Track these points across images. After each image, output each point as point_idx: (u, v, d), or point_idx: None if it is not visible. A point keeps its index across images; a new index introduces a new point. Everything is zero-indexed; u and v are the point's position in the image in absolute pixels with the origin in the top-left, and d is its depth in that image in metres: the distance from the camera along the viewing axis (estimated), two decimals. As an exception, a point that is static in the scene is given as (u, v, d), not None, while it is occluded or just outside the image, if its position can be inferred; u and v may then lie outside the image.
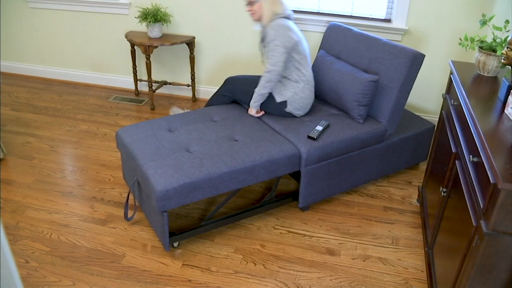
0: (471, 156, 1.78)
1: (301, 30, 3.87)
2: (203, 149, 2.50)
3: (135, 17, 4.06)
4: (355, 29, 3.12)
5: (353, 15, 3.78)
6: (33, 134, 3.67)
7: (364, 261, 2.47)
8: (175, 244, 2.50)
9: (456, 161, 2.05)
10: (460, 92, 2.22)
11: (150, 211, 2.49)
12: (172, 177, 2.27)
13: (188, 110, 3.24)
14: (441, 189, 2.18)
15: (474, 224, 1.64)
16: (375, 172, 3.01)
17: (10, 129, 3.74)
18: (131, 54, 4.27)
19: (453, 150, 2.14)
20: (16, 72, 4.94)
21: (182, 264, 2.41)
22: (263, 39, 2.89)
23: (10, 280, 0.48)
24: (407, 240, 2.63)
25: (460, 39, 2.76)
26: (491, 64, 2.36)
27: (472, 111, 1.93)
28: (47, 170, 3.19)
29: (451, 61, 2.57)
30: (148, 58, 3.91)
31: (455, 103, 2.30)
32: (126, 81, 4.61)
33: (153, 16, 3.85)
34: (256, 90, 2.86)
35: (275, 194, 2.91)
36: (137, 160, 2.45)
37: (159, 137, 2.61)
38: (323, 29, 3.82)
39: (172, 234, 2.45)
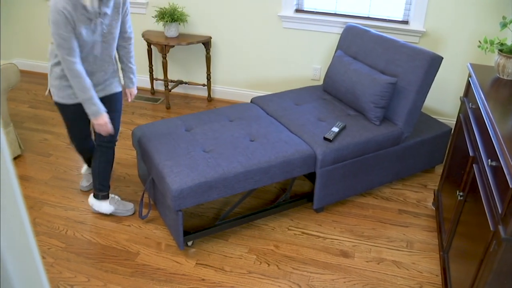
0: (489, 160, 1.76)
1: (318, 31, 3.87)
2: (218, 149, 2.51)
3: (152, 17, 4.08)
4: (372, 30, 3.10)
5: (370, 16, 3.76)
6: (50, 131, 3.71)
7: (378, 264, 2.46)
8: (189, 243, 2.51)
9: (474, 165, 2.03)
10: (479, 95, 2.19)
11: (165, 209, 2.50)
12: (188, 176, 2.28)
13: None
14: (457, 193, 2.16)
15: (491, 229, 1.62)
16: (390, 174, 2.99)
17: (28, 126, 3.79)
18: (148, 53, 4.30)
19: (471, 153, 2.11)
20: (35, 70, 5.00)
21: (196, 263, 2.41)
22: (106, 4, 2.24)
23: (37, 278, 0.49)
24: (422, 244, 2.61)
25: (479, 41, 2.73)
26: (511, 67, 2.33)
27: (491, 115, 1.91)
28: (63, 167, 3.22)
29: (470, 63, 2.55)
30: (164, 57, 3.93)
31: (473, 107, 2.28)
32: (142, 80, 4.63)
33: (170, 16, 3.87)
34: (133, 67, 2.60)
35: (290, 195, 2.91)
36: (152, 159, 2.46)
37: (175, 136, 2.62)
38: (340, 31, 3.80)
39: (186, 233, 2.46)
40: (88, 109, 2.31)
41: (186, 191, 2.25)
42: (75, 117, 2.49)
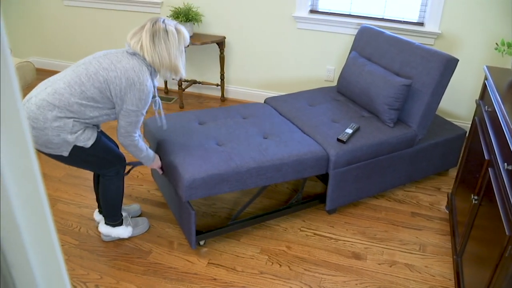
0: (505, 164, 1.74)
1: (332, 32, 3.86)
2: (232, 144, 2.51)
3: (167, 16, 4.10)
4: (387, 32, 3.09)
5: (385, 17, 3.75)
6: (65, 129, 3.74)
7: (390, 266, 2.44)
8: (201, 243, 2.52)
9: (489, 169, 2.01)
10: (495, 98, 2.17)
11: (177, 208, 2.51)
12: (200, 167, 2.28)
13: None
14: (472, 196, 2.14)
15: (507, 233, 1.60)
16: (403, 177, 2.97)
17: (43, 123, 3.82)
18: (162, 53, 4.31)
19: (486, 157, 2.09)
20: (50, 68, 5.05)
21: (208, 263, 2.42)
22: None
23: (59, 274, 0.49)
24: (435, 247, 2.59)
25: (496, 43, 2.71)
26: (528, 70, 2.31)
27: (507, 118, 1.89)
28: (77, 165, 3.24)
29: (486, 66, 2.52)
30: (178, 57, 3.94)
31: (489, 109, 2.26)
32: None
33: (185, 15, 3.89)
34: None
35: (302, 196, 2.91)
36: (165, 149, 2.46)
37: (188, 129, 2.62)
38: (354, 32, 3.79)
39: (198, 232, 2.47)
40: (146, 162, 2.36)
41: (198, 182, 2.24)
42: (106, 140, 2.28)
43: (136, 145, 2.23)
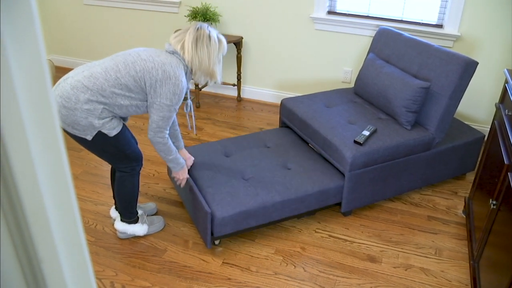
0: (526, 169, 1.72)
1: (350, 34, 3.85)
2: (257, 177, 2.58)
3: (185, 16, 4.12)
4: (405, 33, 3.06)
5: (404, 19, 3.72)
6: (83, 127, 3.78)
7: (405, 270, 2.43)
8: (216, 242, 2.52)
9: (509, 173, 1.98)
10: (516, 102, 2.14)
11: (193, 208, 2.52)
12: (229, 205, 2.37)
13: None
14: (490, 201, 2.11)
15: (526, 239, 1.58)
16: (420, 180, 2.94)
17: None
18: (179, 52, 4.34)
19: (506, 161, 2.07)
20: (70, 66, 5.10)
21: (222, 262, 2.43)
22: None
23: (85, 270, 0.50)
24: (451, 252, 2.56)
25: (516, 47, 2.67)
26: (550, 74, 2.27)
27: (528, 123, 1.86)
28: (94, 163, 3.28)
29: (507, 69, 2.49)
30: (195, 56, 3.96)
31: (509, 113, 2.23)
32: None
33: (202, 15, 3.90)
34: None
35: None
36: (195, 184, 2.56)
37: (216, 162, 2.69)
38: (373, 33, 3.77)
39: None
40: (174, 168, 2.41)
41: (227, 219, 2.35)
42: (129, 135, 2.31)
43: (165, 143, 2.27)
